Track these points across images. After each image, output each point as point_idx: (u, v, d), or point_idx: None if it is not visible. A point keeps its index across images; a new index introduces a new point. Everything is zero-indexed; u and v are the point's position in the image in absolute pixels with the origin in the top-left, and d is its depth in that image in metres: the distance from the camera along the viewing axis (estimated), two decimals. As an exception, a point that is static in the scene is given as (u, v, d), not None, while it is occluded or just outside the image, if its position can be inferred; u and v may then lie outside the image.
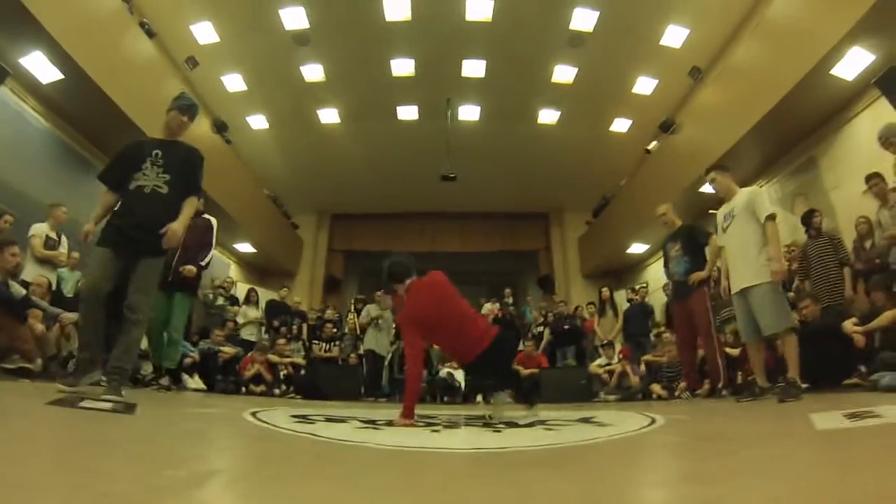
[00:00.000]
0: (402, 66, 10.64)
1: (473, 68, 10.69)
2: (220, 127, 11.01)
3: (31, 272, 5.35)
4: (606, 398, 7.15)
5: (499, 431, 2.58)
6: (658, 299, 10.46)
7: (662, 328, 8.08)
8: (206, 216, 5.62)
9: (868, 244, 5.50)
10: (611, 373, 7.59)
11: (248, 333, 8.47)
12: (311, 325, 9.76)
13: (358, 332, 9.33)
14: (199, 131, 10.18)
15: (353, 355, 8.92)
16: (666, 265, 5.62)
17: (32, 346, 4.31)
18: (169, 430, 2.20)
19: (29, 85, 6.78)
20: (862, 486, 0.93)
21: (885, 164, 5.33)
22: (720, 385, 4.85)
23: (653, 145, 11.69)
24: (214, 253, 5.70)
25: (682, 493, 1.08)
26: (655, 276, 12.08)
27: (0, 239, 4.75)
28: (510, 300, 10.84)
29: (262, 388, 7.20)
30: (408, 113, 12.01)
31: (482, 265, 16.58)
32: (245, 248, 13.00)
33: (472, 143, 12.18)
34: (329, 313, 10.02)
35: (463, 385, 7.83)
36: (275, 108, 11.86)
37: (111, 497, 0.88)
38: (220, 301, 8.70)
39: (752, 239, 4.00)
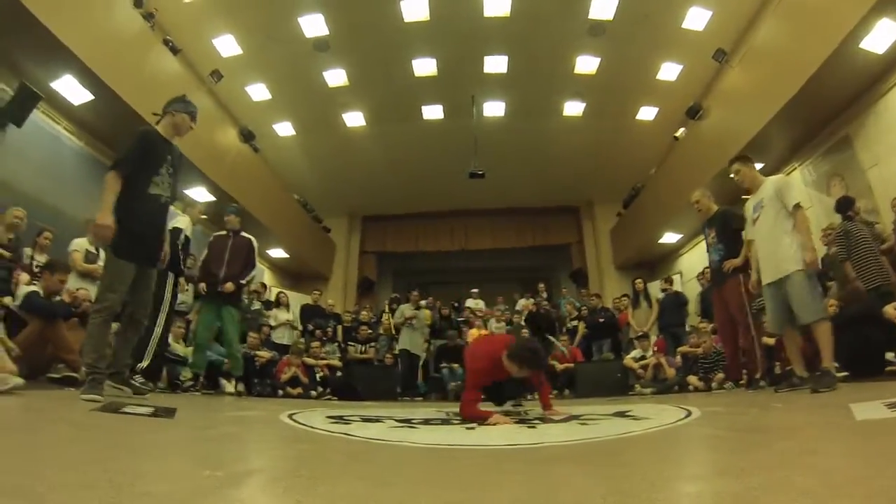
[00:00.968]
0: (424, 66, 10.68)
1: (495, 64, 10.66)
2: (247, 136, 11.24)
3: (72, 286, 5.54)
4: (643, 391, 7.05)
5: (533, 427, 2.57)
6: (691, 289, 10.26)
7: (698, 319, 7.92)
8: (245, 234, 5.82)
9: None
10: (645, 367, 7.48)
11: (278, 336, 8.61)
12: (346, 327, 9.89)
13: (393, 332, 9.42)
14: (227, 140, 10.44)
15: (388, 355, 9.00)
16: (708, 251, 5.45)
17: (77, 356, 4.48)
18: (207, 432, 2.27)
19: (62, 107, 7.09)
20: (899, 478, 0.91)
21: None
22: (758, 375, 4.72)
23: (680, 132, 11.46)
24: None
25: (713, 487, 1.07)
26: (689, 265, 11.87)
27: (57, 263, 4.95)
28: (544, 295, 10.79)
29: (298, 390, 7.32)
30: (432, 112, 12.06)
31: (514, 261, 16.57)
32: (278, 253, 13.24)
33: (498, 140, 12.14)
34: (364, 315, 10.14)
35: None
36: (300, 115, 12.05)
37: (153, 497, 0.92)
38: (256, 306, 8.88)
39: (782, 228, 3.90)
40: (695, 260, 11.29)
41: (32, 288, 4.58)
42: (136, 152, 3.33)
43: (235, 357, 5.78)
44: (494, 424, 2.67)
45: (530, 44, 10.08)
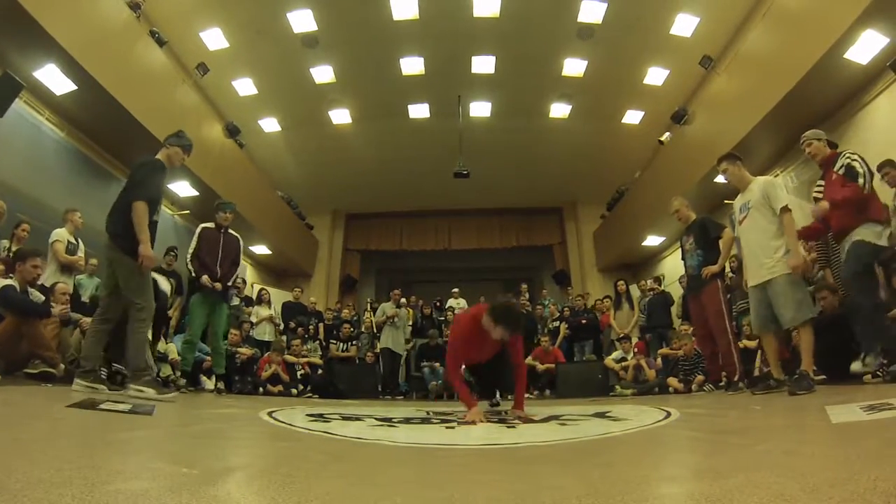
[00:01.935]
0: (412, 65, 10.66)
1: (483, 65, 10.68)
2: (232, 131, 11.12)
3: (50, 278, 5.41)
4: (623, 392, 7.11)
5: (513, 427, 2.58)
6: (673, 291, 10.36)
7: (680, 321, 8.01)
8: (233, 232, 5.76)
9: (886, 233, 5.38)
10: (626, 368, 7.54)
11: (260, 333, 8.54)
12: (327, 325, 9.84)
13: (374, 330, 9.40)
14: (212, 135, 10.31)
15: (369, 354, 8.97)
16: (683, 258, 5.55)
17: (54, 351, 4.39)
18: (186, 430, 2.24)
19: (43, 97, 6.93)
20: (876, 482, 0.92)
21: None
22: (736, 377, 4.79)
23: (666, 136, 11.57)
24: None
25: (690, 489, 1.08)
26: (672, 268, 11.97)
27: (25, 250, 4.83)
28: (527, 296, 10.84)
29: (279, 388, 7.26)
30: (419, 111, 12.04)
31: (498, 261, 16.63)
32: (261, 249, 13.14)
33: (484, 140, 12.18)
34: (345, 313, 10.10)
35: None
36: (286, 111, 11.96)
37: (128, 494, 0.90)
38: (236, 302, 8.79)
39: (768, 231, 3.95)
40: (677, 263, 11.26)
41: (7, 282, 4.47)
42: (159, 184, 3.74)
43: (220, 354, 5.72)
44: (472, 423, 2.68)
45: (518, 45, 10.11)
